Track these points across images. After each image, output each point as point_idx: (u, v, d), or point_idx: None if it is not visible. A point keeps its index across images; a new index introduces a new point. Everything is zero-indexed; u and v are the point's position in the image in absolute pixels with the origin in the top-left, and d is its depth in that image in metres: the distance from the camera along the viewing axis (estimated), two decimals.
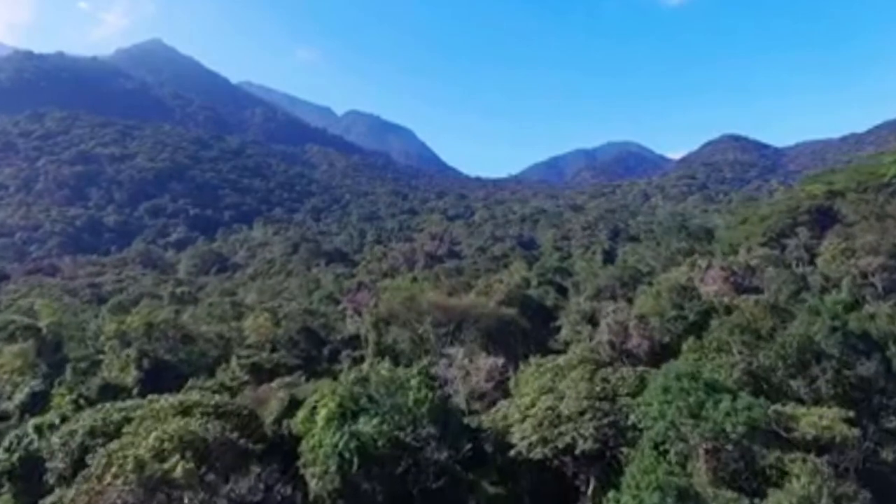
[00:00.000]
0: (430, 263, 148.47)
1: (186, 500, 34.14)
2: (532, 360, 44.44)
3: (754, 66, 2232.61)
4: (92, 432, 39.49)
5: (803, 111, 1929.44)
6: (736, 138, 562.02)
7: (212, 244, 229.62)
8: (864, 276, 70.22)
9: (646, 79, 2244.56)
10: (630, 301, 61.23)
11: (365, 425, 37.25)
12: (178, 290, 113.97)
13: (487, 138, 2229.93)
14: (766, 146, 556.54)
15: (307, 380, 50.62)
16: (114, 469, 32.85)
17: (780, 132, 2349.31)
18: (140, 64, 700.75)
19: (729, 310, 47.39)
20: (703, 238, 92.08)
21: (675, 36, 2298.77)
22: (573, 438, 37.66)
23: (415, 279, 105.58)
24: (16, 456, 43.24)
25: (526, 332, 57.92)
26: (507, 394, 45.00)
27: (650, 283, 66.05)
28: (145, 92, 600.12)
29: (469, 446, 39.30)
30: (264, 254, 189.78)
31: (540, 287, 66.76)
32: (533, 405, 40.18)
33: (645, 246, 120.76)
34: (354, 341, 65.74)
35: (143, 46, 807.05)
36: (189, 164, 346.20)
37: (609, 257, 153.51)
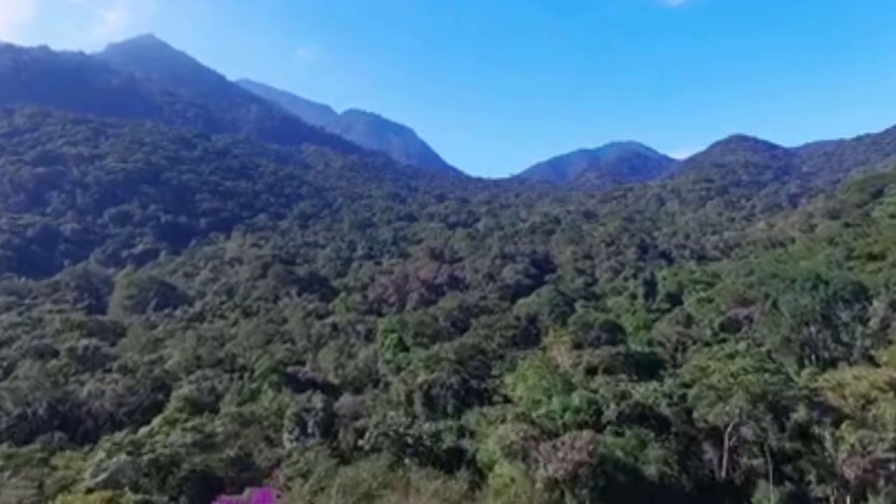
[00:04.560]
0: (426, 297, 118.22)
1: None
2: None
3: (756, 66, 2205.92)
4: None
5: (808, 110, 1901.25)
6: (744, 138, 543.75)
7: (176, 258, 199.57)
8: None
9: (648, 78, 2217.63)
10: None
11: None
12: (82, 345, 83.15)
13: (489, 138, 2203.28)
14: (775, 147, 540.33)
15: None
16: None
17: (786, 132, 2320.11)
18: (131, 60, 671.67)
19: None
20: (850, 299, 60.46)
21: (677, 35, 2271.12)
22: None
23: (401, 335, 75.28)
24: None
25: None
26: None
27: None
28: (133, 88, 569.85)
29: None
30: (230, 274, 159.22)
31: (622, 425, 35.56)
32: None
33: (732, 288, 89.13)
34: None
35: (136, 42, 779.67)
36: (166, 166, 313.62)
37: (651, 289, 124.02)
